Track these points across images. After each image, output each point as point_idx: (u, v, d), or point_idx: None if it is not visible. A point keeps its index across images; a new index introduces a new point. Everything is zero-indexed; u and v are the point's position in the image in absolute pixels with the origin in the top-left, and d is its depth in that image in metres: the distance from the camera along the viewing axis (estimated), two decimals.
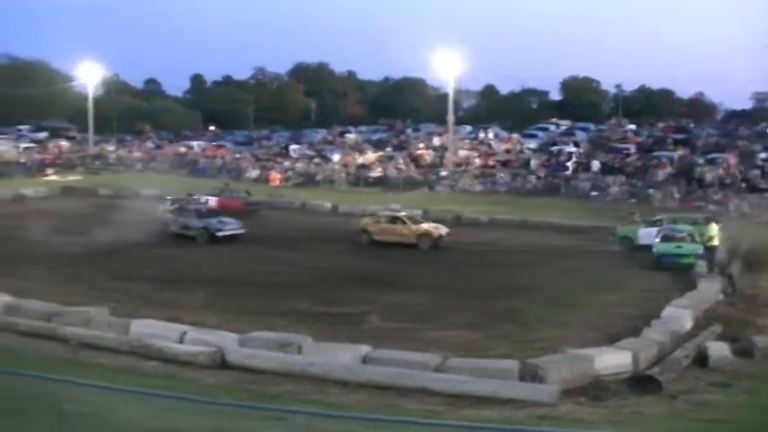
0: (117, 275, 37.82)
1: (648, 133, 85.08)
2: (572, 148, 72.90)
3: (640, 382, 22.52)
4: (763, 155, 66.74)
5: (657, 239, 40.72)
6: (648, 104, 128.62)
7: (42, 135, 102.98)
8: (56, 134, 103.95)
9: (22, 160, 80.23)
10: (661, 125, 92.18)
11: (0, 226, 49.31)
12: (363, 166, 73.66)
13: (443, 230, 47.39)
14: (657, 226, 44.19)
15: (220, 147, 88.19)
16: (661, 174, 63.36)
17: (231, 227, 48.07)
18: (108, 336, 26.68)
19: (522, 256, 43.64)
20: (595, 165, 66.83)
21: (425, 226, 47.58)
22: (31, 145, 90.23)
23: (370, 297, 34.16)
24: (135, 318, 28.33)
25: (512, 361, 23.46)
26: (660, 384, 22.10)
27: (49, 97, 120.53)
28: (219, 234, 47.15)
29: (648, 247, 42.01)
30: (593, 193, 61.96)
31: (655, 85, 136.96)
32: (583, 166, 67.36)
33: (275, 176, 66.43)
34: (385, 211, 50.64)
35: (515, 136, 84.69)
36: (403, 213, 49.11)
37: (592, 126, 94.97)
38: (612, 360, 23.63)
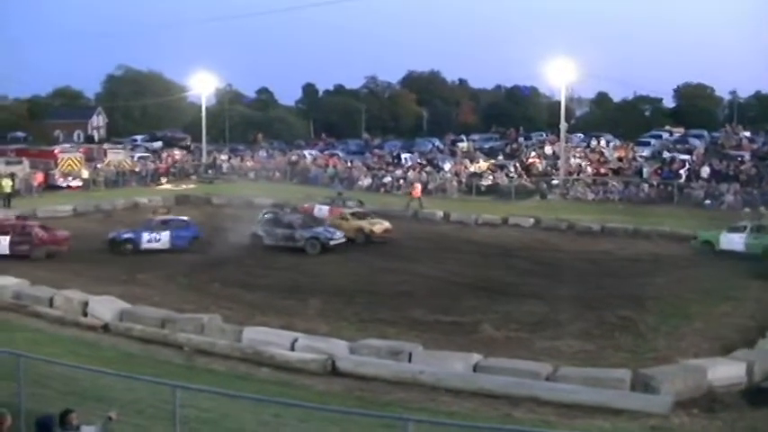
0: (231, 283, 38.41)
1: (764, 140, 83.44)
2: (685, 156, 71.82)
3: (755, 395, 22.18)
4: None
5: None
6: (764, 111, 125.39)
7: (157, 145, 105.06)
8: (170, 144, 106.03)
9: (137, 169, 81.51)
10: None
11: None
12: (475, 175, 73.41)
13: (381, 227, 51.18)
14: (741, 232, 44.69)
15: (333, 155, 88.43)
16: None
17: (339, 236, 47.91)
18: (221, 342, 27.15)
19: (634, 266, 43.17)
20: (705, 171, 65.82)
21: (362, 222, 51.41)
22: (146, 154, 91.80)
23: (483, 306, 34.18)
24: (247, 325, 28.79)
25: (624, 371, 23.34)
26: None
27: (164, 107, 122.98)
28: (332, 243, 47.09)
29: (730, 253, 43.27)
30: (707, 202, 60.97)
31: None
32: (696, 174, 66.35)
33: (416, 187, 65.82)
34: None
35: (628, 144, 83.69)
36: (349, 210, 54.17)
37: (706, 133, 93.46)
38: (726, 372, 23.33)
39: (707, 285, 37.48)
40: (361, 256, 45.74)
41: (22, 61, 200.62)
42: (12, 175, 66.29)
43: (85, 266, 41.72)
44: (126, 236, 46.68)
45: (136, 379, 17.57)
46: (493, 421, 19.48)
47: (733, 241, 44.43)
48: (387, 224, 52.10)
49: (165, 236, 46.74)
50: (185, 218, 50.44)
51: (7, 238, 44.11)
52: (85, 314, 30.61)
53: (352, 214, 53.09)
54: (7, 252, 43.59)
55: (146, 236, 46.51)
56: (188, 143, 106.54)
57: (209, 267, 42.11)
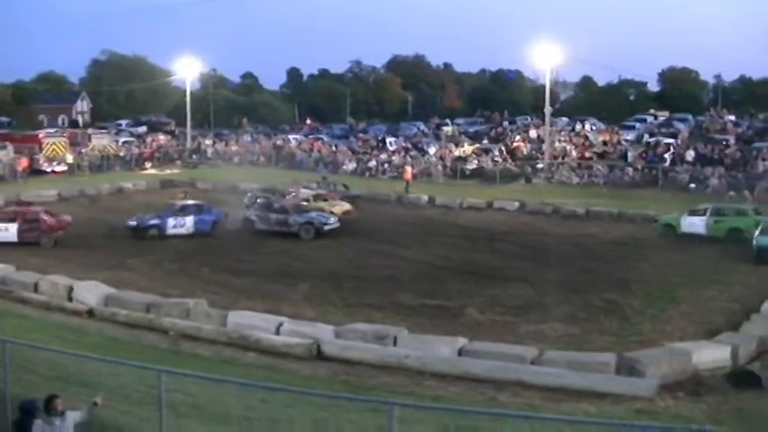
0: (219, 268, 38.37)
1: (749, 124, 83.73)
2: (670, 140, 72.00)
3: (740, 378, 22.24)
4: None
5: (757, 232, 40.18)
6: (749, 95, 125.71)
7: (141, 129, 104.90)
8: (154, 128, 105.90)
9: (122, 154, 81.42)
10: (762, 116, 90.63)
11: (100, 219, 50.27)
12: (460, 159, 73.54)
13: (341, 208, 51.86)
14: (701, 215, 45.79)
15: (317, 140, 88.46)
16: (762, 165, 62.34)
17: (333, 221, 47.74)
18: (206, 327, 27.15)
19: (620, 249, 43.34)
20: (689, 155, 66.04)
21: (324, 204, 52.05)
22: (131, 139, 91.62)
23: (469, 290, 34.23)
24: (233, 309, 28.81)
25: (609, 354, 23.45)
26: (760, 380, 21.80)
27: (149, 92, 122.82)
28: (326, 228, 46.91)
29: (690, 236, 44.66)
30: (692, 186, 61.11)
31: (756, 74, 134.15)
32: (681, 158, 66.49)
33: (407, 170, 65.91)
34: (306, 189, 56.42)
35: (613, 128, 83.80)
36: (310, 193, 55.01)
37: (690, 117, 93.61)
38: (711, 355, 23.48)
39: (693, 269, 37.68)
40: (344, 241, 45.57)
41: (5, 46, 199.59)
42: None
43: (73, 252, 41.64)
44: (152, 222, 46.73)
45: (121, 364, 17.53)
46: (478, 405, 19.50)
47: (694, 224, 45.66)
48: (347, 206, 52.96)
49: (189, 221, 47.17)
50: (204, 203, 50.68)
51: (15, 226, 43.42)
52: (71, 299, 30.59)
53: (315, 197, 53.62)
54: (15, 240, 42.94)
55: (171, 221, 46.80)
56: (173, 128, 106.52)
57: (197, 252, 42.17)
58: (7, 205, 50.20)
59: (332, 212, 50.46)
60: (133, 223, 46.76)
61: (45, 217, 44.56)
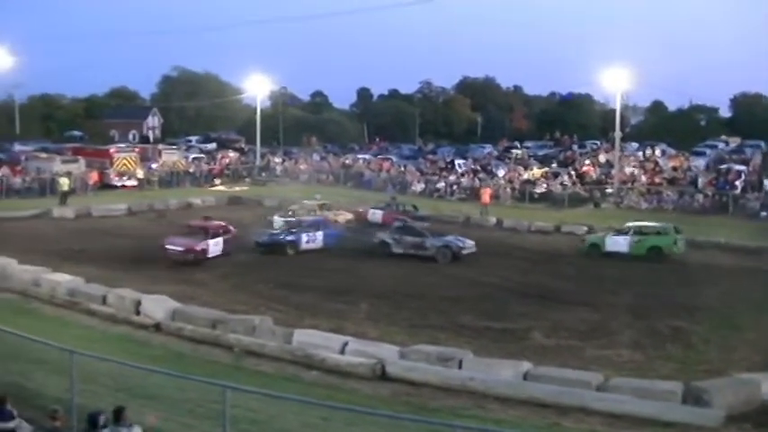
0: (278, 284, 38.56)
1: None
2: (741, 167, 71.16)
3: None
4: None
5: None
6: None
7: (211, 146, 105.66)
8: (224, 145, 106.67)
9: (191, 170, 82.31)
10: None
11: (169, 233, 50.76)
12: (528, 182, 73.24)
13: (344, 217, 56.23)
14: (625, 234, 48.33)
15: (386, 160, 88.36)
16: None
17: (471, 245, 46.96)
18: (271, 344, 27.23)
19: (687, 275, 42.81)
20: (766, 184, 65.20)
21: (327, 213, 55.04)
22: (200, 155, 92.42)
23: (534, 313, 34.04)
24: (298, 327, 28.86)
25: (675, 383, 23.12)
26: None
27: (219, 109, 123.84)
28: (464, 252, 46.14)
29: (616, 254, 47.07)
30: (763, 213, 60.30)
31: None
32: (752, 185, 65.69)
33: (485, 193, 65.64)
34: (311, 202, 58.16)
35: (683, 153, 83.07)
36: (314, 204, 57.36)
37: (762, 144, 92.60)
38: None
39: (762, 297, 37.05)
40: (409, 261, 45.32)
41: (80, 60, 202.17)
42: (68, 174, 67.07)
43: (139, 265, 42.02)
44: (289, 238, 47.49)
45: (186, 378, 17.66)
46: (541, 430, 19.40)
47: (618, 243, 48.17)
48: (349, 215, 56.85)
49: (319, 236, 48.40)
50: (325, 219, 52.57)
51: (221, 240, 45.66)
52: (138, 312, 30.85)
53: (320, 206, 56.25)
54: (220, 252, 45.18)
55: (304, 237, 47.77)
56: (242, 145, 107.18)
57: (261, 268, 42.36)
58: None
59: (335, 221, 53.25)
60: (266, 239, 47.74)
61: (233, 230, 47.72)
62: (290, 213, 54.43)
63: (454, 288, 39.13)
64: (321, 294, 36.72)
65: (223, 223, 47.65)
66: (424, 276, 41.82)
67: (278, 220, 53.62)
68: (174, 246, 44.10)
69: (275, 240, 47.39)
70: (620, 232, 48.77)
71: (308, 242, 47.61)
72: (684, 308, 34.85)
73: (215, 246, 44.99)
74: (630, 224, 49.49)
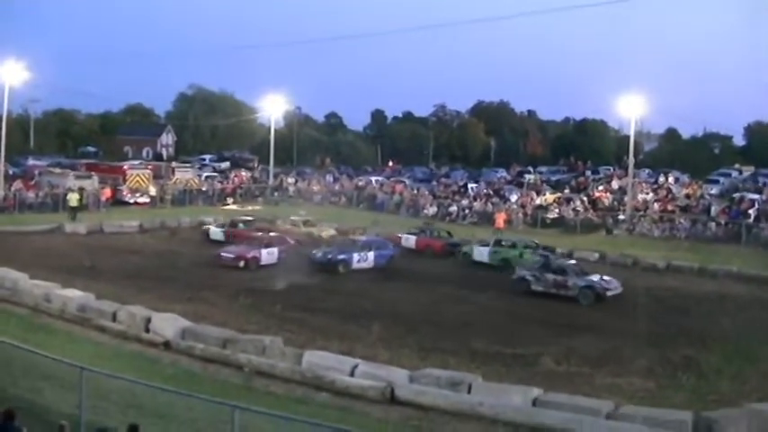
0: (291, 305, 38.44)
1: None
2: (755, 196, 70.93)
3: None
4: None
5: None
6: None
7: (224, 165, 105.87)
8: (237, 164, 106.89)
9: (204, 188, 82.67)
10: None
11: (182, 252, 50.82)
12: (541, 207, 73.17)
13: (328, 233, 59.71)
14: (486, 246, 53.10)
15: (399, 182, 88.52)
16: None
17: (616, 285, 43.87)
18: (281, 365, 27.16)
19: (699, 304, 42.62)
20: None
21: (312, 229, 60.27)
22: (213, 174, 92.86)
23: (545, 338, 33.92)
24: (308, 349, 28.79)
25: (686, 413, 22.95)
26: None
27: (233, 128, 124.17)
28: (609, 294, 43.00)
29: (482, 264, 51.72)
30: None
31: None
32: (766, 214, 65.43)
33: (499, 217, 65.59)
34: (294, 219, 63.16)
35: (697, 181, 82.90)
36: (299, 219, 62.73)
37: None
38: None
39: None
40: (421, 285, 45.46)
41: (96, 76, 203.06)
42: (80, 190, 67.29)
43: (150, 282, 42.03)
44: (341, 257, 48.55)
45: (195, 397, 17.62)
46: None
47: (481, 253, 52.98)
48: (333, 231, 60.62)
49: (370, 255, 49.88)
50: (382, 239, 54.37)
51: (275, 250, 49.50)
52: (148, 330, 30.78)
53: (304, 222, 61.35)
54: (275, 261, 48.78)
55: (356, 257, 49.24)
56: (255, 164, 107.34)
57: (272, 288, 42.38)
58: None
59: (320, 236, 57.52)
60: (319, 257, 48.66)
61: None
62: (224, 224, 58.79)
63: (466, 313, 39.16)
64: (332, 316, 36.75)
65: (281, 235, 51.42)
66: (437, 300, 41.92)
67: (215, 231, 57.38)
68: (228, 253, 47.90)
69: (328, 259, 48.26)
70: (483, 243, 53.81)
71: (359, 261, 48.82)
72: (697, 337, 34.73)
73: (268, 255, 48.39)
74: (494, 237, 55.33)
